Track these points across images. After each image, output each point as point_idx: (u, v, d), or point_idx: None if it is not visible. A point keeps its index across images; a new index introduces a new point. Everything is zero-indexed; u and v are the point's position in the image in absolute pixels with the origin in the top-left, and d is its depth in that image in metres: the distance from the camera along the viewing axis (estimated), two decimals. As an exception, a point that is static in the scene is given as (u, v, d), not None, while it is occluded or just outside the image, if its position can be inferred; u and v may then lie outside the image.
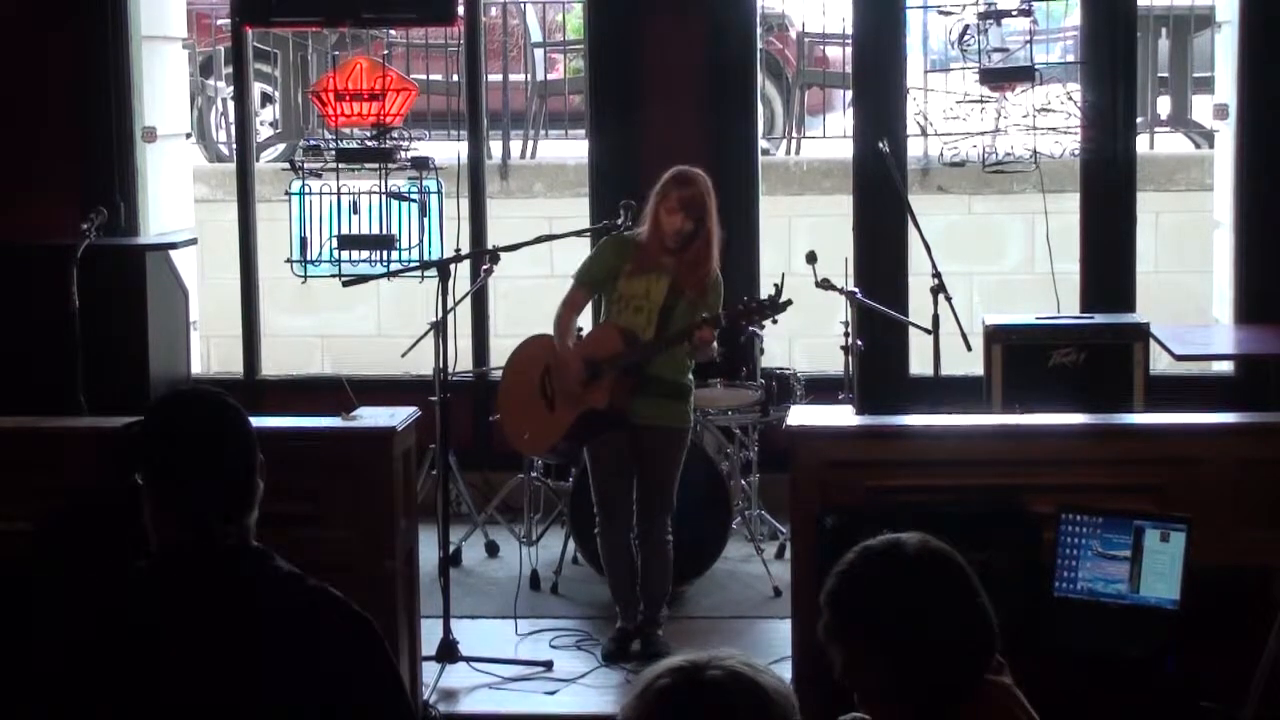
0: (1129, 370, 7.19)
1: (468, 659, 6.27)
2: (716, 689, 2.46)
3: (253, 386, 8.82)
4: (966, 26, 8.12)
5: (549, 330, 6.47)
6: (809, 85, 12.20)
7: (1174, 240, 10.54)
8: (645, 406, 6.32)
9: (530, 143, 11.92)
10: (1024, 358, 7.23)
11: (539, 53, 12.21)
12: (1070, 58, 10.00)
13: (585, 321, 6.61)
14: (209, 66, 12.14)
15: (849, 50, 9.07)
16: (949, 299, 6.95)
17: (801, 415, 5.81)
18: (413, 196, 8.46)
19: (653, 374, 6.31)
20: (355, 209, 8.54)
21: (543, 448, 6.85)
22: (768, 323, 6.63)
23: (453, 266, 6.49)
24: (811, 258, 7.23)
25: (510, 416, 6.68)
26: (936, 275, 6.93)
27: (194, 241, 8.59)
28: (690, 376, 6.47)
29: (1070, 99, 8.25)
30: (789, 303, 6.31)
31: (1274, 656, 4.74)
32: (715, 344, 6.28)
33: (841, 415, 6.18)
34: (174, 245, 8.26)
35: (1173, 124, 11.85)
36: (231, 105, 9.87)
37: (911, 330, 7.77)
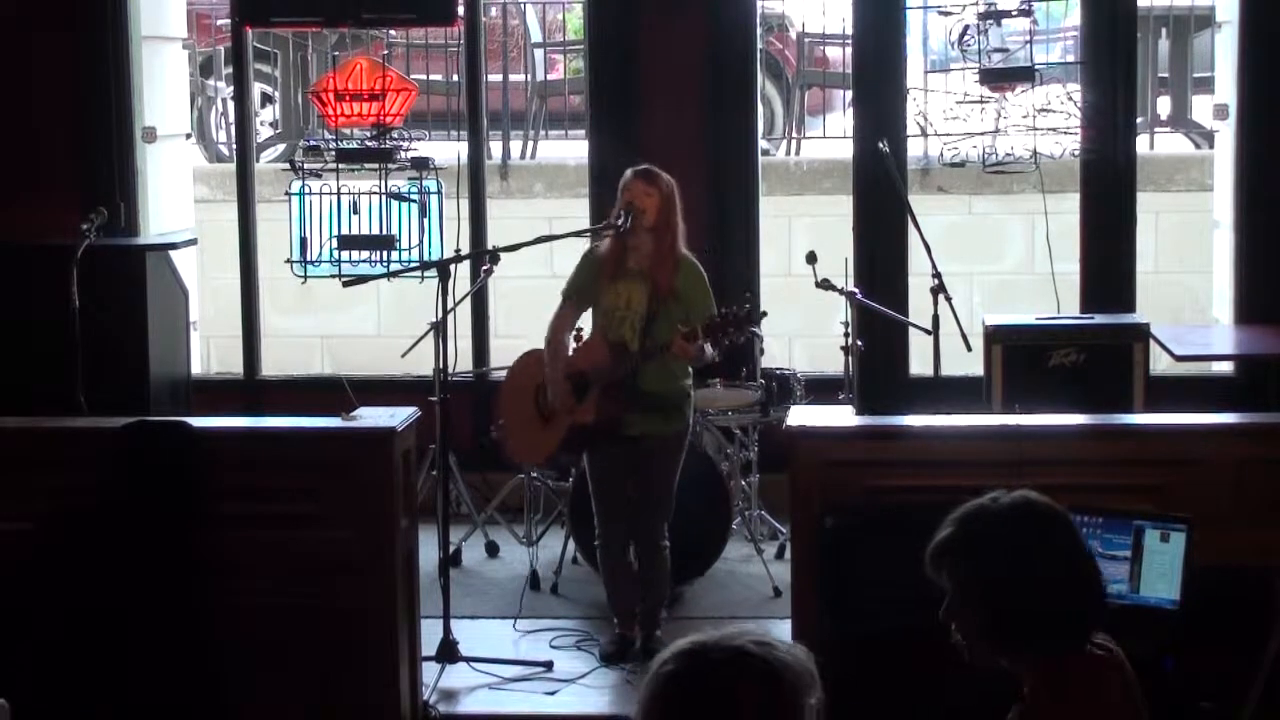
0: (1129, 370, 7.18)
1: (468, 659, 6.27)
2: (719, 671, 2.49)
3: (253, 386, 8.82)
4: (966, 27, 8.11)
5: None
6: (809, 85, 12.20)
7: (1174, 240, 10.53)
8: (639, 420, 6.33)
9: (530, 143, 11.92)
10: (1024, 358, 7.22)
11: (539, 53, 12.21)
12: (1070, 58, 10.00)
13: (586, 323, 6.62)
14: (209, 66, 12.14)
15: (849, 50, 9.07)
16: (949, 299, 6.94)
17: (801, 415, 5.81)
18: (413, 197, 8.46)
19: (644, 389, 6.31)
20: (355, 209, 8.54)
21: (538, 460, 6.94)
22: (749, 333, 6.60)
23: (453, 267, 6.49)
24: (811, 258, 7.22)
25: (509, 430, 6.79)
26: (936, 275, 6.93)
27: (194, 241, 8.58)
28: (688, 381, 6.45)
29: (1070, 99, 8.24)
30: (764, 314, 6.52)
31: (1274, 656, 4.74)
32: (709, 349, 6.18)
33: (841, 415, 6.17)
34: (174, 245, 8.25)
35: (1173, 124, 11.84)
36: (231, 105, 9.87)
37: (911, 330, 7.76)
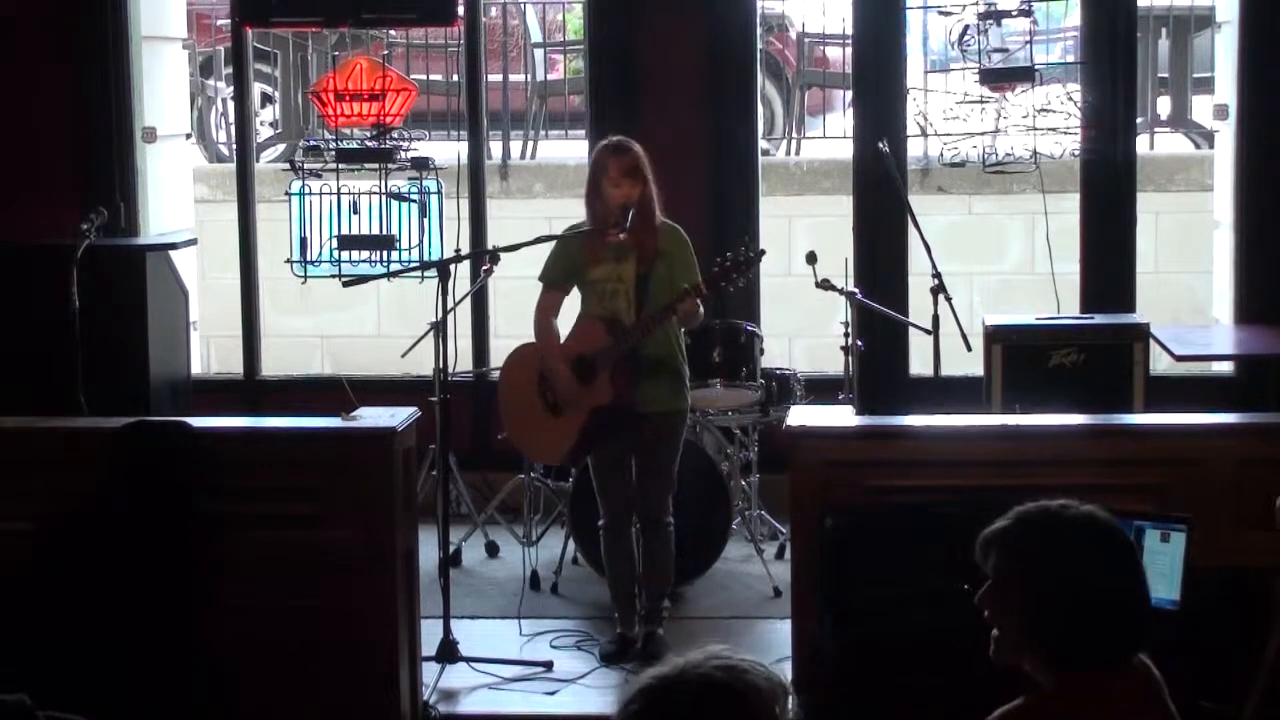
0: (1129, 370, 7.18)
1: (468, 659, 6.27)
2: (684, 707, 2.46)
3: (253, 386, 8.82)
4: (966, 27, 8.11)
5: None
6: (809, 85, 12.21)
7: (1174, 240, 10.54)
8: (647, 392, 6.30)
9: (530, 143, 11.93)
10: (1024, 358, 7.22)
11: (539, 53, 12.22)
12: (1070, 58, 10.00)
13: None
14: (209, 66, 12.14)
15: (849, 50, 9.07)
16: (949, 299, 6.94)
17: (801, 415, 5.81)
18: (413, 197, 8.46)
19: (647, 355, 6.30)
20: (355, 209, 8.54)
21: (559, 455, 6.72)
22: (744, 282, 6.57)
23: (453, 267, 6.49)
24: (811, 258, 7.22)
25: (518, 431, 6.63)
26: (936, 275, 6.93)
27: (194, 242, 8.58)
28: (683, 353, 6.45)
29: (1070, 99, 8.24)
30: (762, 252, 6.48)
31: (1274, 656, 4.74)
32: (700, 309, 6.28)
33: (841, 415, 6.17)
34: (174, 245, 8.25)
35: (1173, 124, 11.85)
36: (231, 105, 9.87)
37: (911, 330, 7.76)
